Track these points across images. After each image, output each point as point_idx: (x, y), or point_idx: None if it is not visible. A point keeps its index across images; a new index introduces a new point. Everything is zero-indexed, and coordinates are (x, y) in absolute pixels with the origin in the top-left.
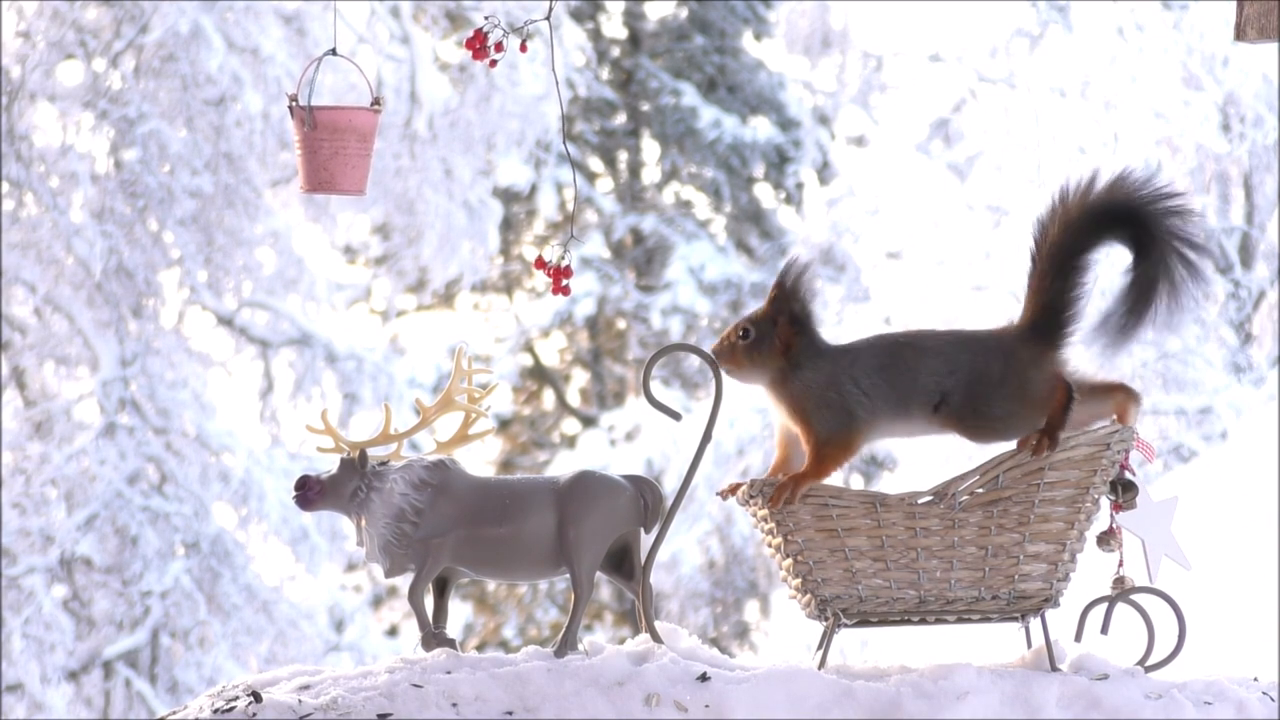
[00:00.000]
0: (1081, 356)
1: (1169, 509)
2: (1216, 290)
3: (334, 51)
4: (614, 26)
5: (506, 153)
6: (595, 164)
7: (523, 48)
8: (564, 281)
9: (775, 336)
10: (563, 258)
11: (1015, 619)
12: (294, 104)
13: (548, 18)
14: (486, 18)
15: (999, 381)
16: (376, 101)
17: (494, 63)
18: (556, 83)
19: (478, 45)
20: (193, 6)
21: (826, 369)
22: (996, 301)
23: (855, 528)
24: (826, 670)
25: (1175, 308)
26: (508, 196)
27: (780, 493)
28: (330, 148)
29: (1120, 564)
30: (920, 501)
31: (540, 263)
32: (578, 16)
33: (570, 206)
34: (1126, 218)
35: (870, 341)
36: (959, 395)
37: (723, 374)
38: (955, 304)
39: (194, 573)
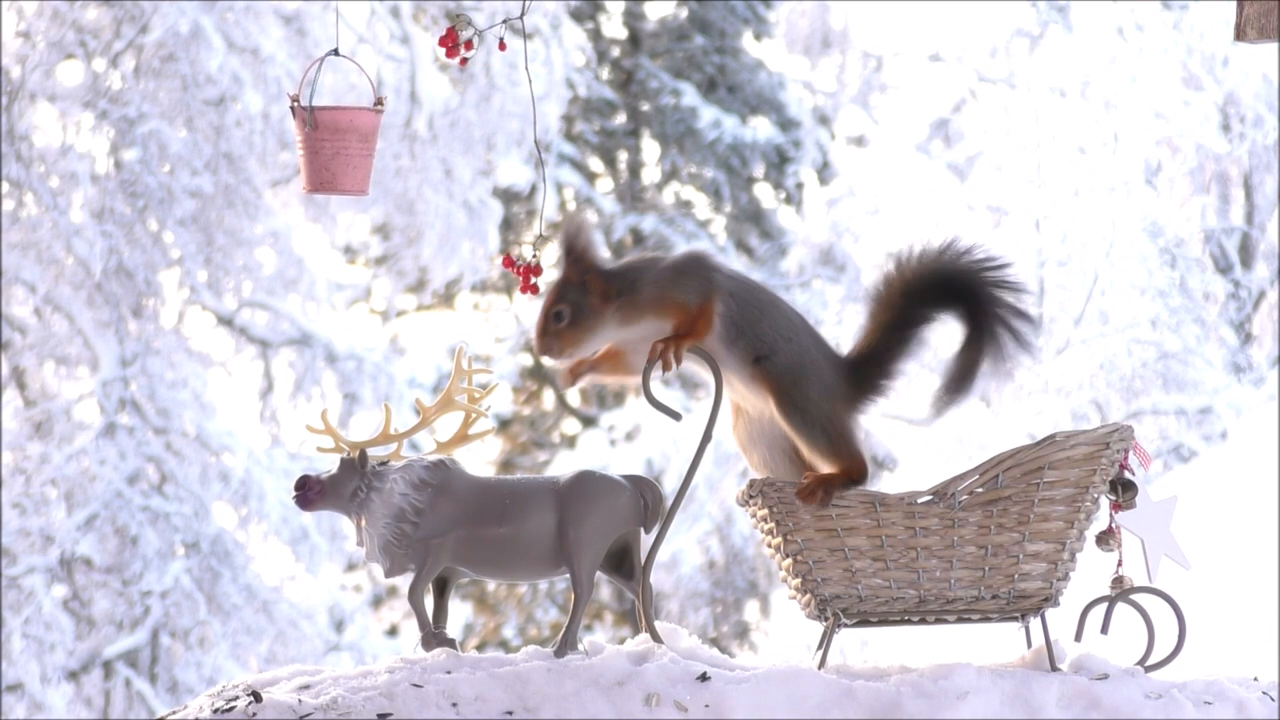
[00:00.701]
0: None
1: (1168, 509)
2: (1038, 352)
3: (336, 52)
4: (614, 26)
5: (506, 153)
6: (595, 164)
7: (501, 45)
8: (533, 280)
9: (590, 295)
10: (534, 256)
11: (1015, 619)
12: (295, 104)
13: (521, 16)
14: (458, 15)
15: (821, 383)
16: (379, 101)
17: (464, 61)
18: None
19: (450, 44)
20: (193, 6)
21: (639, 266)
22: None
23: (855, 527)
24: (826, 670)
25: (1000, 374)
26: (508, 196)
27: (666, 359)
28: (332, 148)
29: (1120, 564)
30: (920, 501)
31: (509, 261)
32: (578, 16)
33: (542, 204)
34: (958, 288)
35: (647, 254)
36: (784, 360)
37: (565, 367)
38: None
39: (194, 573)
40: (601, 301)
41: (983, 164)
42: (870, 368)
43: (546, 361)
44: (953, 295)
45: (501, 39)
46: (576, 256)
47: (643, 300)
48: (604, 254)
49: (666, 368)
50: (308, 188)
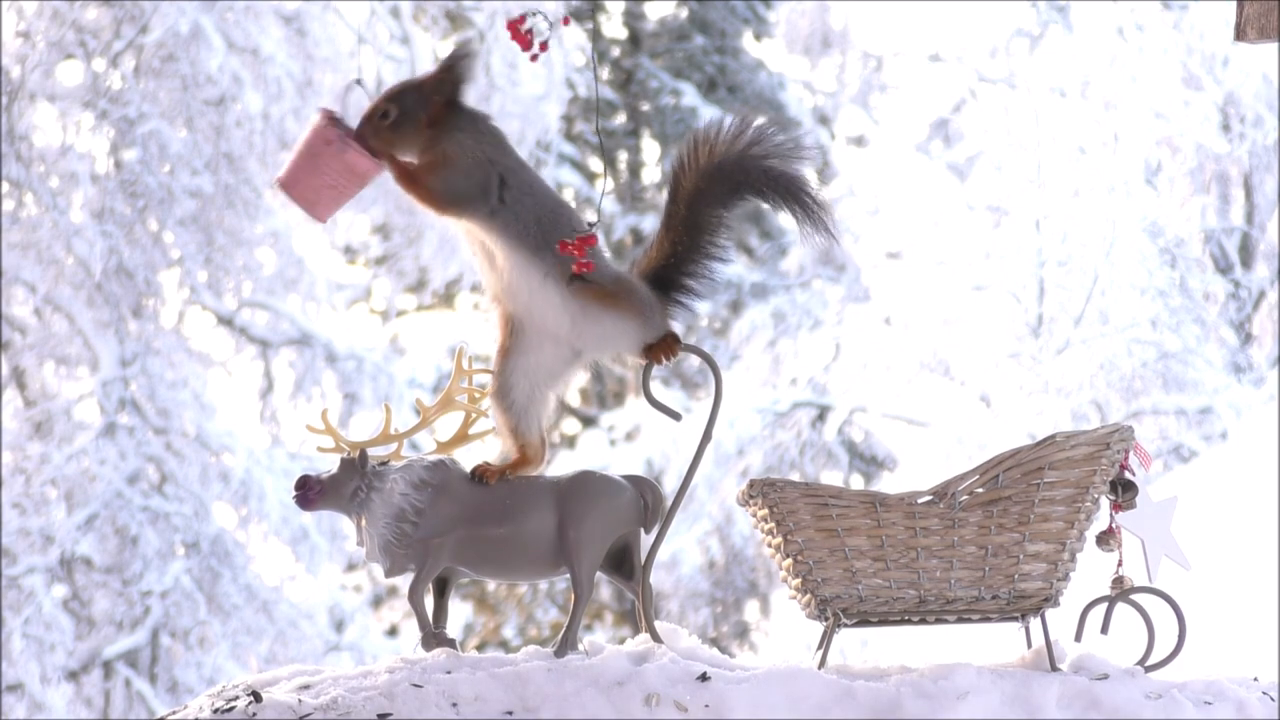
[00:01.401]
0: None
1: (1169, 509)
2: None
3: (359, 82)
4: (614, 26)
5: None
6: (595, 164)
7: (544, 46)
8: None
9: (424, 111)
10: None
11: (1015, 619)
12: (336, 121)
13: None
14: (535, 13)
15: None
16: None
17: (535, 57)
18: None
19: (521, 41)
20: (193, 6)
21: (475, 141)
22: (996, 301)
23: (855, 527)
24: (826, 670)
25: (811, 243)
26: None
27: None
28: (334, 179)
29: (1120, 564)
30: (920, 501)
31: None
32: (578, 16)
33: (603, 189)
34: (734, 177)
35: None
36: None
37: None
38: (955, 304)
39: (194, 573)
40: (428, 125)
41: (983, 164)
42: (670, 275)
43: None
44: (733, 186)
45: (544, 41)
46: (444, 77)
47: (440, 140)
48: (467, 102)
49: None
50: (283, 186)
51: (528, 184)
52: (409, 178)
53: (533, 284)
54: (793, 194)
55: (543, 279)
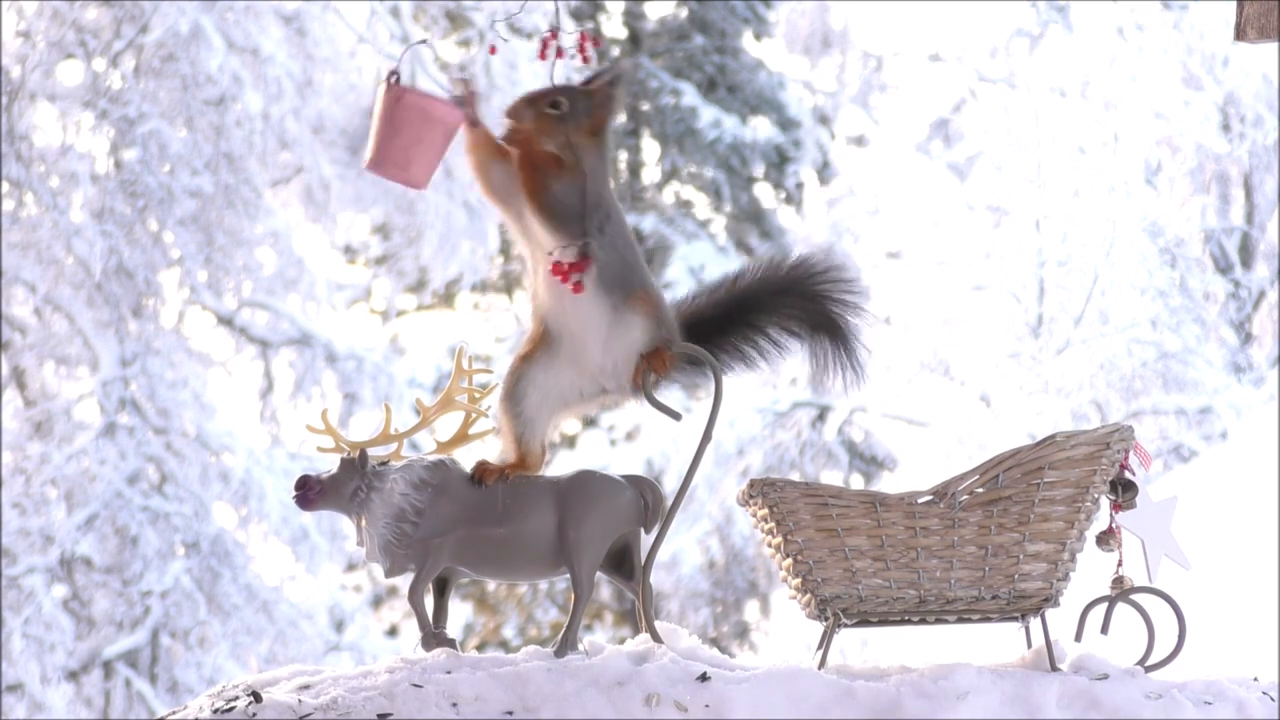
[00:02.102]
0: None
1: (1169, 509)
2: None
3: (425, 41)
4: (614, 26)
5: None
6: None
7: (491, 50)
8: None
9: (591, 118)
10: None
11: (1015, 619)
12: (394, 76)
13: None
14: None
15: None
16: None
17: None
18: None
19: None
20: (193, 6)
21: (603, 177)
22: (996, 301)
23: (855, 527)
24: (826, 670)
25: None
26: None
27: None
28: (416, 133)
29: (1120, 564)
30: (920, 501)
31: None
32: (578, 16)
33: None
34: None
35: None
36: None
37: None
38: (955, 304)
39: (194, 573)
40: (587, 132)
41: (983, 164)
42: (704, 336)
43: (506, 121)
44: (789, 302)
45: (493, 45)
46: (613, 94)
47: (585, 151)
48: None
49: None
50: (371, 166)
51: (623, 225)
52: (532, 165)
53: (593, 315)
54: (843, 339)
55: (611, 312)
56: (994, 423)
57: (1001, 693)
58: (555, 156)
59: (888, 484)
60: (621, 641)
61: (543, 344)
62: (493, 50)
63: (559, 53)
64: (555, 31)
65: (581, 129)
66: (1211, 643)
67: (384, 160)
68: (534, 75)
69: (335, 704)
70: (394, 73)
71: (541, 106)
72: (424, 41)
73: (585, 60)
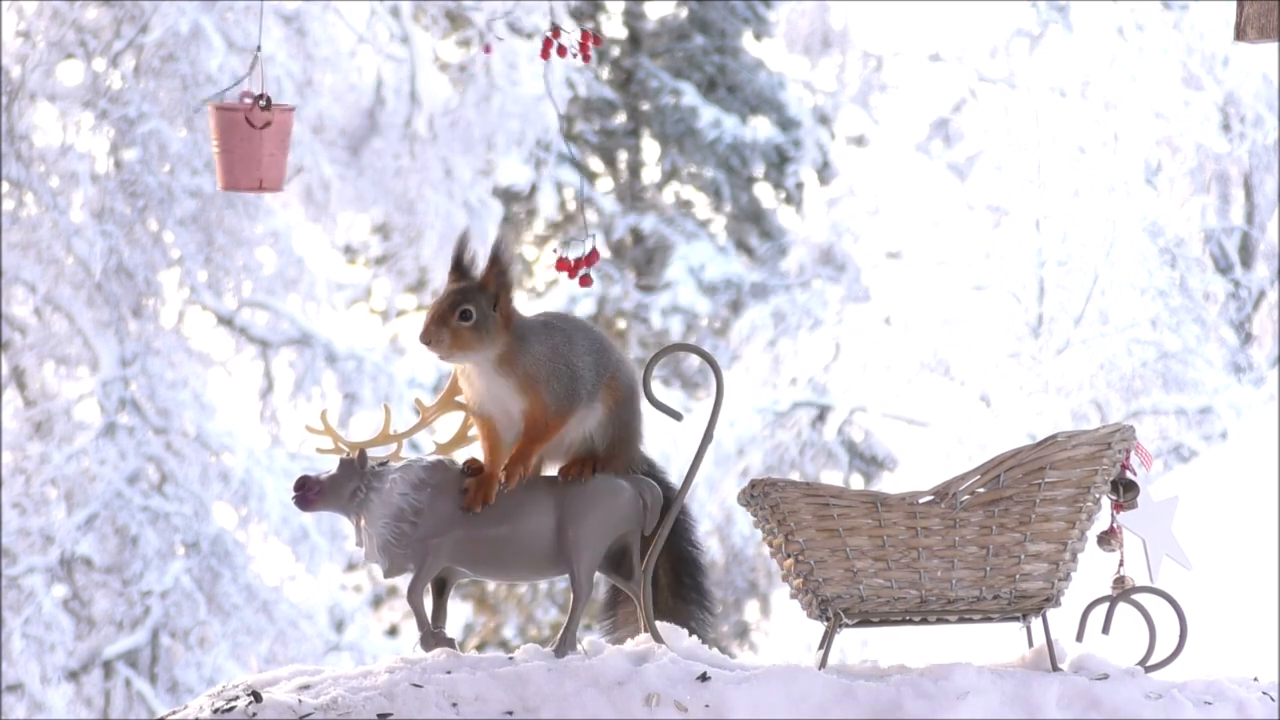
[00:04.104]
0: None
1: (1169, 509)
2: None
3: (258, 49)
4: (614, 26)
5: (506, 153)
6: (595, 164)
7: (486, 49)
8: (585, 270)
9: (498, 312)
10: (589, 239)
11: (1016, 619)
12: (258, 100)
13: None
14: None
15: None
16: (264, 98)
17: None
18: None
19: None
20: (193, 6)
21: (548, 342)
22: (996, 301)
23: (856, 527)
24: (826, 670)
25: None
26: (508, 196)
27: (513, 472)
28: (274, 146)
29: (1121, 564)
30: (921, 501)
31: (563, 264)
32: (578, 16)
33: (581, 191)
34: None
35: (570, 322)
36: (615, 397)
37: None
38: (955, 304)
39: (194, 573)
40: (502, 327)
41: (983, 164)
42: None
43: (426, 349)
44: None
45: (487, 44)
46: (501, 270)
47: (525, 365)
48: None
49: (509, 483)
50: (226, 187)
51: (578, 335)
52: (542, 438)
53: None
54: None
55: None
56: (994, 423)
57: (1001, 693)
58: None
59: (888, 484)
60: (621, 641)
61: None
62: (487, 49)
63: (561, 51)
64: (558, 30)
65: (497, 325)
66: (1212, 643)
67: (244, 180)
68: (533, 75)
69: (335, 704)
70: (216, 105)
71: (453, 323)
72: (258, 49)
73: (586, 59)
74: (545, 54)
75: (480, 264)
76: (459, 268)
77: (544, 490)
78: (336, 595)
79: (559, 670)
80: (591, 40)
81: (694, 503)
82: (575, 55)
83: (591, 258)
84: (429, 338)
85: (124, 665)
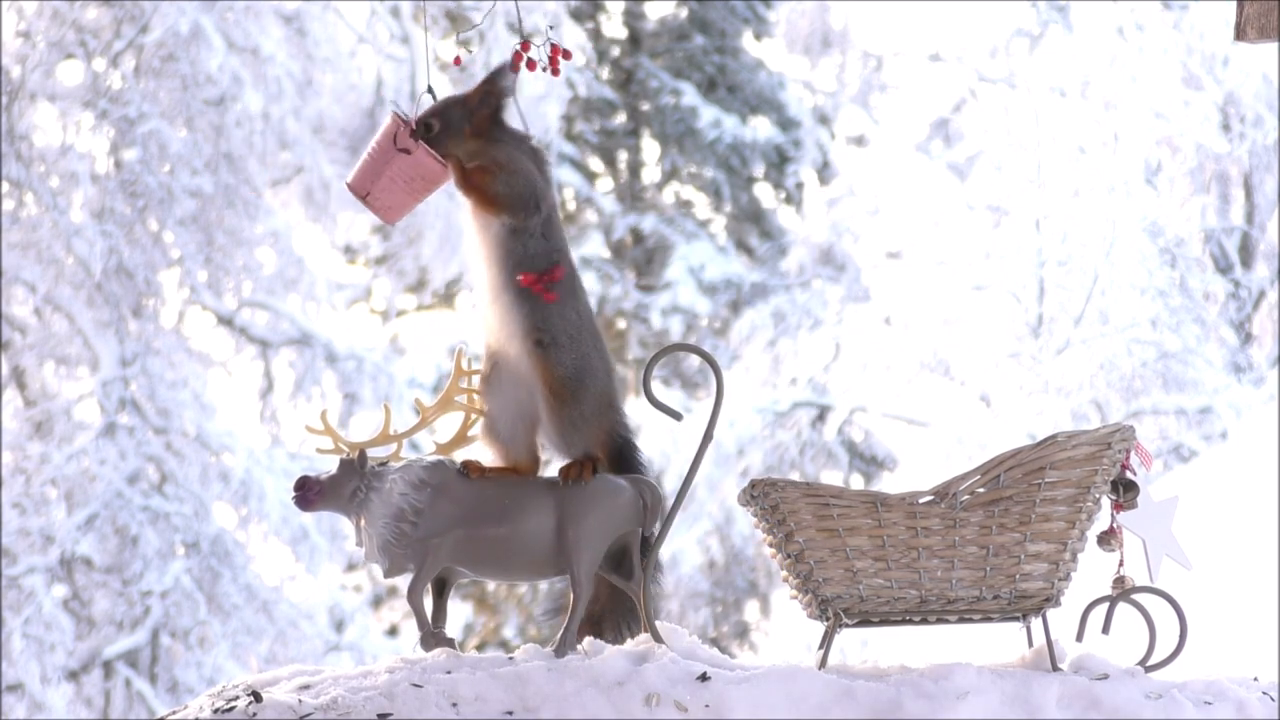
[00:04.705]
0: None
1: (1169, 509)
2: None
3: (430, 91)
4: (614, 26)
5: None
6: (595, 164)
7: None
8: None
9: (468, 125)
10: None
11: (1016, 618)
12: (406, 122)
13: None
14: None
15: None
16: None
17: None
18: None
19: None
20: (193, 6)
21: (526, 156)
22: (996, 301)
23: (856, 527)
24: (826, 670)
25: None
26: None
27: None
28: (405, 181)
29: (1121, 564)
30: (921, 501)
31: (522, 52)
32: (578, 16)
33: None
34: None
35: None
36: (564, 356)
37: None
38: (955, 304)
39: (194, 573)
40: (471, 135)
41: (983, 164)
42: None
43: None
44: None
45: (458, 56)
46: (488, 89)
47: (488, 148)
48: (512, 125)
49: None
50: (353, 188)
51: (554, 214)
52: (468, 181)
53: (510, 311)
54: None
55: (523, 313)
56: (994, 423)
57: (1001, 693)
58: (460, 166)
59: (888, 484)
60: (622, 641)
61: (493, 369)
62: (457, 61)
63: (530, 65)
64: (527, 43)
65: (463, 134)
66: (1211, 643)
67: (367, 193)
68: (533, 75)
69: (335, 704)
70: (402, 115)
71: (419, 132)
72: (430, 91)
73: (556, 73)
74: (515, 67)
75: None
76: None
77: (544, 490)
78: (336, 595)
79: (559, 670)
80: (561, 54)
81: (694, 502)
82: (545, 69)
83: (554, 53)
84: (403, 143)
85: (124, 665)
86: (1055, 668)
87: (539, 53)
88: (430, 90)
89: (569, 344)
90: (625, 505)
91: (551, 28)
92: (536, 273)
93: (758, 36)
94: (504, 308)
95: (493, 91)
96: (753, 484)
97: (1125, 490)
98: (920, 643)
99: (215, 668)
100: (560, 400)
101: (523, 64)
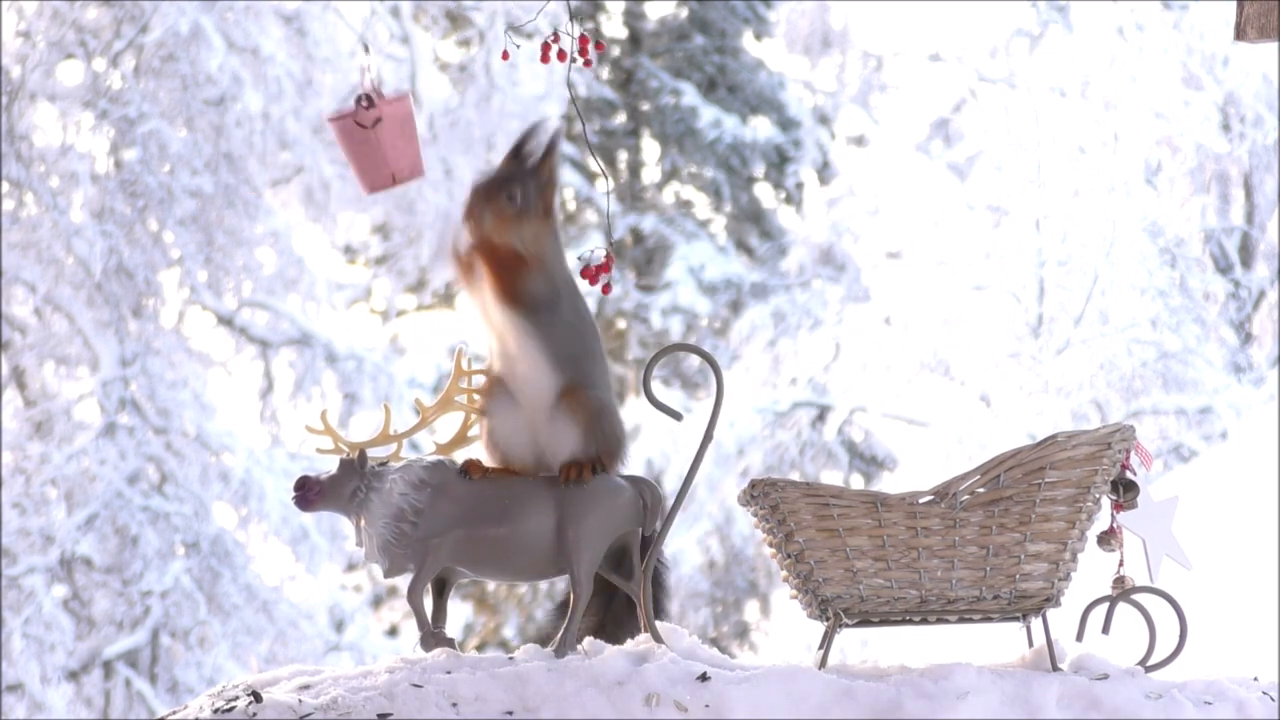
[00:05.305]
0: None
1: (1170, 509)
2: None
3: (365, 47)
4: (614, 26)
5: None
6: (595, 164)
7: (504, 55)
8: (603, 278)
9: (541, 200)
10: (606, 249)
11: (1016, 618)
12: (360, 100)
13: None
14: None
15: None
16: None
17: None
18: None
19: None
20: (193, 6)
21: (563, 265)
22: (996, 301)
23: (856, 527)
24: (826, 670)
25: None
26: None
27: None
28: (394, 136)
29: (1121, 564)
30: (921, 501)
31: (584, 272)
32: (578, 16)
33: (608, 206)
34: None
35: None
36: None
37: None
38: (955, 304)
39: (194, 573)
40: (542, 214)
41: (983, 164)
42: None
43: (465, 226)
44: None
45: (505, 50)
46: (552, 161)
47: (546, 238)
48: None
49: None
50: (371, 189)
51: (581, 306)
52: (498, 263)
53: (534, 393)
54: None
55: (550, 396)
56: (994, 423)
57: (1001, 693)
58: (517, 252)
59: (888, 484)
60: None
61: (495, 399)
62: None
63: (561, 55)
64: (557, 34)
65: (536, 215)
66: (1212, 643)
67: (384, 177)
68: (533, 75)
69: (335, 704)
70: (332, 115)
71: (499, 202)
72: (365, 47)
73: (587, 64)
74: (545, 58)
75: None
76: (518, 154)
77: (544, 490)
78: (336, 595)
79: (559, 670)
80: (592, 44)
81: (694, 502)
82: (575, 60)
83: (607, 264)
84: (471, 215)
85: (124, 665)
86: (1055, 668)
87: (568, 43)
88: (365, 46)
89: (598, 381)
90: (625, 505)
91: (575, 20)
92: (594, 266)
93: (758, 36)
94: (524, 351)
95: (556, 166)
96: (753, 484)
97: (1125, 490)
98: (920, 643)
99: (215, 668)
100: (588, 433)
101: (553, 54)
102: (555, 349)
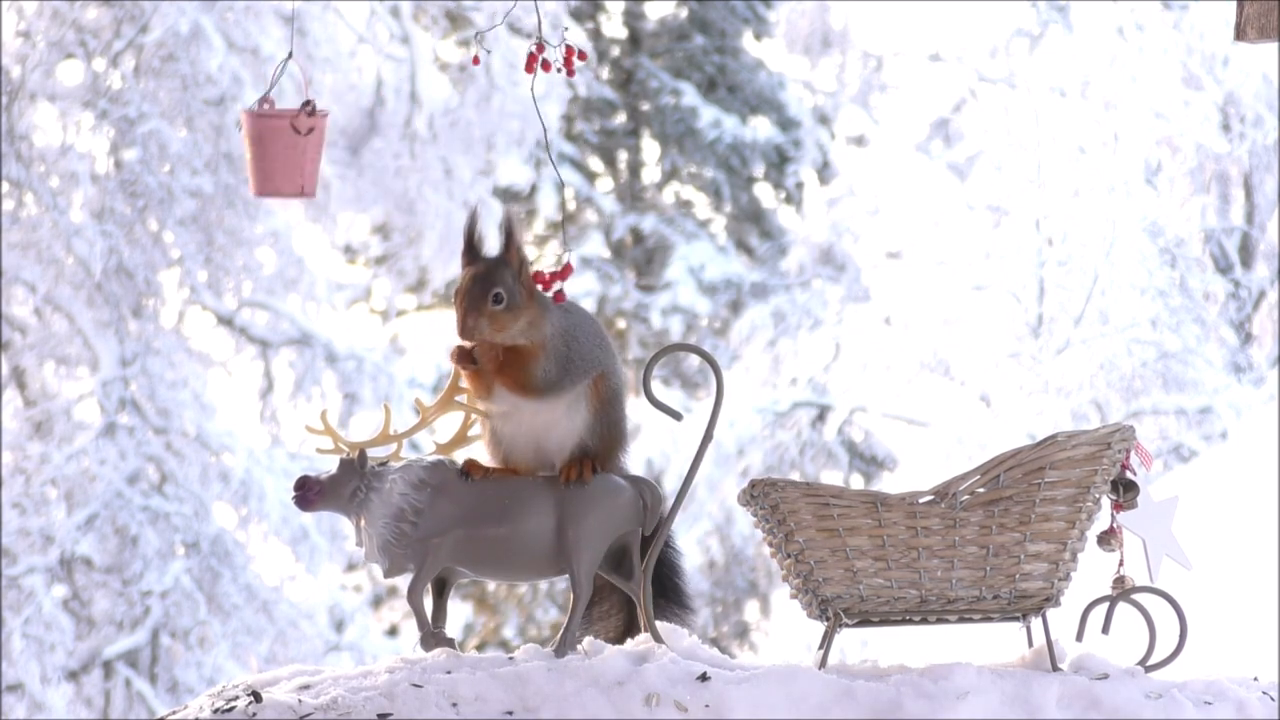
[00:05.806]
0: None
1: (1170, 509)
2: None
3: (289, 55)
4: (614, 26)
5: (506, 153)
6: (595, 164)
7: (475, 60)
8: (558, 285)
9: (522, 286)
10: (565, 253)
11: (1016, 618)
12: (304, 106)
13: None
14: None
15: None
16: (308, 104)
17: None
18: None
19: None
20: (193, 6)
21: (562, 321)
22: (996, 301)
23: (856, 527)
24: (826, 670)
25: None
26: (508, 196)
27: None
28: (315, 151)
29: (1121, 563)
30: (921, 501)
31: (539, 277)
32: (578, 16)
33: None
34: None
35: (581, 311)
36: (601, 397)
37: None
38: (955, 304)
39: (194, 573)
40: (528, 297)
41: (983, 164)
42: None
43: (468, 342)
44: None
45: (476, 55)
46: (517, 245)
47: (540, 335)
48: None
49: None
50: (260, 192)
51: (583, 319)
52: (501, 365)
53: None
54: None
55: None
56: (994, 423)
57: (1001, 693)
58: (521, 347)
59: (888, 484)
60: (622, 641)
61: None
62: (476, 61)
63: (545, 66)
64: (542, 45)
65: (524, 302)
66: (1212, 643)
67: (270, 185)
68: (530, 75)
69: (335, 704)
70: (249, 111)
71: (488, 308)
72: (289, 56)
73: (571, 74)
74: (530, 68)
75: (489, 242)
76: (471, 248)
77: (544, 490)
78: (336, 595)
79: (559, 670)
80: (576, 55)
81: (694, 503)
82: (560, 70)
83: (565, 272)
84: (469, 332)
85: (124, 665)
86: (1055, 668)
87: (553, 54)
88: (290, 55)
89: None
90: (625, 505)
91: (566, 28)
92: (548, 272)
93: (758, 36)
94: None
95: (517, 242)
96: (753, 484)
97: (1125, 490)
98: (920, 643)
99: (215, 668)
100: (597, 416)
101: (538, 65)
102: (574, 383)
